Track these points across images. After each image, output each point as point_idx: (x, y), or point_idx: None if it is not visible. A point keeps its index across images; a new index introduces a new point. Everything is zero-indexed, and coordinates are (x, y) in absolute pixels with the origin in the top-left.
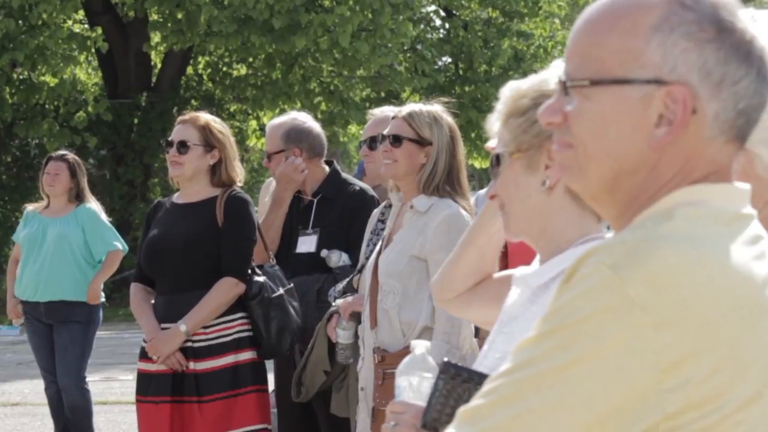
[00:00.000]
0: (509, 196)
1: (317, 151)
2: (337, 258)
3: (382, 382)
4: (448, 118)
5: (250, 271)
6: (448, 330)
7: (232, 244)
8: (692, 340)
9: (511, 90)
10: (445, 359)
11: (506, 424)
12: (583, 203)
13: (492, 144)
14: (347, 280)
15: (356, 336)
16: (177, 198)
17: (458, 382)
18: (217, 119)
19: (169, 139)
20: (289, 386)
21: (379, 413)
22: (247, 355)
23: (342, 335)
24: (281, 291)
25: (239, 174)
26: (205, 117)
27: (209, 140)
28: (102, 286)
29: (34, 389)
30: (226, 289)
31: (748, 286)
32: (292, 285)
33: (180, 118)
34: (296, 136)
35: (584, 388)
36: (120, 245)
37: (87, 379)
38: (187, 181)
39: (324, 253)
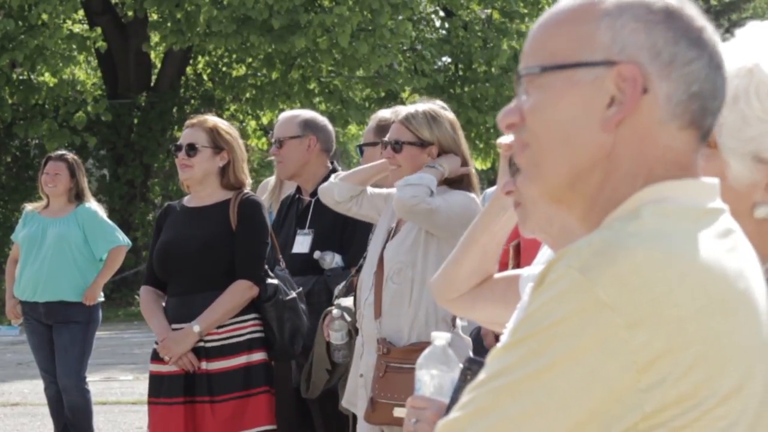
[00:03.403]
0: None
1: (328, 147)
2: (330, 259)
3: (384, 374)
4: (447, 113)
5: (263, 274)
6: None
7: (247, 247)
8: (666, 337)
9: None
10: (470, 355)
11: None
12: None
13: (505, 140)
14: (347, 279)
15: (349, 336)
16: (188, 201)
17: None
18: (225, 122)
19: (178, 143)
20: (286, 385)
21: (378, 405)
22: (259, 356)
23: (334, 336)
24: (294, 294)
25: (248, 176)
26: (213, 119)
27: (217, 142)
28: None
29: (34, 389)
30: (241, 291)
31: (720, 281)
32: (301, 289)
33: (188, 121)
34: (314, 126)
35: (561, 392)
36: (122, 239)
37: (87, 380)
38: (198, 185)
39: (317, 254)
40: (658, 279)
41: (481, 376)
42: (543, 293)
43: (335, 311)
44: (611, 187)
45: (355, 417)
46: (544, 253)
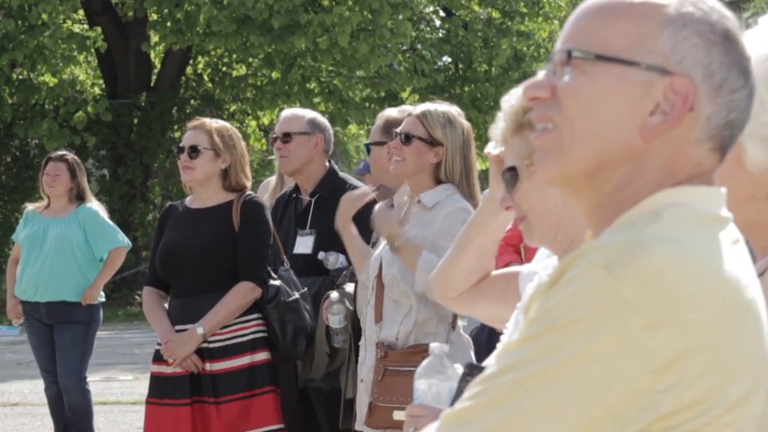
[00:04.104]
0: (533, 207)
1: (329, 147)
2: (334, 260)
3: (382, 378)
4: (463, 121)
5: (266, 275)
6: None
7: (249, 249)
8: (684, 340)
9: (518, 100)
10: (470, 362)
11: (497, 426)
12: None
13: (492, 149)
14: (349, 269)
15: (347, 319)
16: (190, 203)
17: None
18: (228, 124)
19: (180, 145)
20: (289, 384)
21: (377, 408)
22: (262, 356)
23: (332, 320)
24: (297, 295)
25: (249, 179)
26: (215, 122)
27: (219, 144)
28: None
29: (34, 389)
30: (244, 293)
31: (734, 288)
32: (305, 289)
33: (190, 123)
34: (321, 125)
35: (578, 388)
36: (123, 241)
37: (87, 380)
38: (200, 186)
39: (321, 255)
40: (680, 281)
41: (493, 368)
42: (563, 289)
43: (334, 294)
44: (632, 191)
45: (347, 401)
46: (543, 252)
